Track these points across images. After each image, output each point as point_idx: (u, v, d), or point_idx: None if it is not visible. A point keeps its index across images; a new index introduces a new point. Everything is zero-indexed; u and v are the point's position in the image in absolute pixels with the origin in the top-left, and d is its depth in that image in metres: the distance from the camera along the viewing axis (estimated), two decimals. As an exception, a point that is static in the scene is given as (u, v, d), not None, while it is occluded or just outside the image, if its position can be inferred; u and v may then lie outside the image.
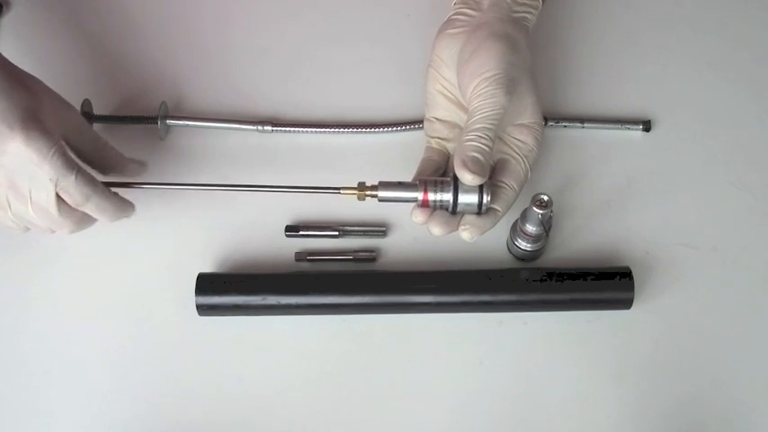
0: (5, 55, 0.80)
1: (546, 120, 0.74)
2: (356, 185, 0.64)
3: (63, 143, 0.60)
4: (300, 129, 0.75)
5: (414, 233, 0.71)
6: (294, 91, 0.77)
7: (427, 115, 0.70)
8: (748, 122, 0.76)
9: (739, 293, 0.69)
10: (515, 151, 0.66)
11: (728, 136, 0.75)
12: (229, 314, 0.67)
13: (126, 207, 0.66)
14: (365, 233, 0.71)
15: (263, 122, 0.74)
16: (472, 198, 0.62)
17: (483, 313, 0.68)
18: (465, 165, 0.61)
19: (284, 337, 0.68)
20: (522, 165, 0.66)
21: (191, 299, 0.66)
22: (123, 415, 0.66)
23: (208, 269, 0.69)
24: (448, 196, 0.63)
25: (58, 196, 0.60)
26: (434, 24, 0.70)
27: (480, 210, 0.63)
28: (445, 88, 0.69)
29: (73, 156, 0.61)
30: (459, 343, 0.68)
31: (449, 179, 0.63)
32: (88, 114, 0.73)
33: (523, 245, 0.68)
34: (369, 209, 0.72)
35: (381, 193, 0.63)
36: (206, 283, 0.67)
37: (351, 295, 0.67)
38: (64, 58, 0.78)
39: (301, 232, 0.71)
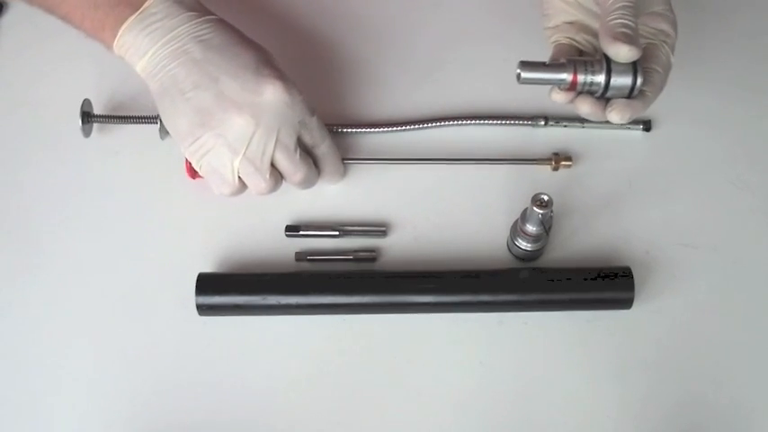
0: (5, 56, 0.80)
1: (546, 119, 0.74)
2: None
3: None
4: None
5: (414, 233, 0.71)
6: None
7: (548, 25, 0.68)
8: (748, 122, 0.76)
9: (739, 293, 0.69)
10: (653, 38, 0.64)
11: (728, 136, 0.75)
12: (229, 314, 0.67)
13: (341, 168, 0.72)
14: (365, 233, 0.71)
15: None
16: (626, 80, 0.59)
17: (483, 313, 0.68)
18: (618, 38, 0.58)
19: (284, 337, 0.68)
20: (664, 49, 0.64)
21: (191, 299, 0.66)
22: (123, 414, 0.66)
23: (208, 269, 0.69)
24: (600, 78, 0.59)
25: (298, 140, 0.66)
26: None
27: (632, 93, 0.60)
28: None
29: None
30: (460, 343, 0.68)
31: (599, 58, 0.60)
32: (88, 114, 0.73)
33: (523, 245, 0.68)
34: (369, 209, 0.72)
35: (525, 74, 0.59)
36: (206, 283, 0.67)
37: (351, 295, 0.67)
38: (64, 58, 0.78)
39: (301, 232, 0.71)
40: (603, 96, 0.60)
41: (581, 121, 0.74)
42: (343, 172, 0.72)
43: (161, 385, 0.67)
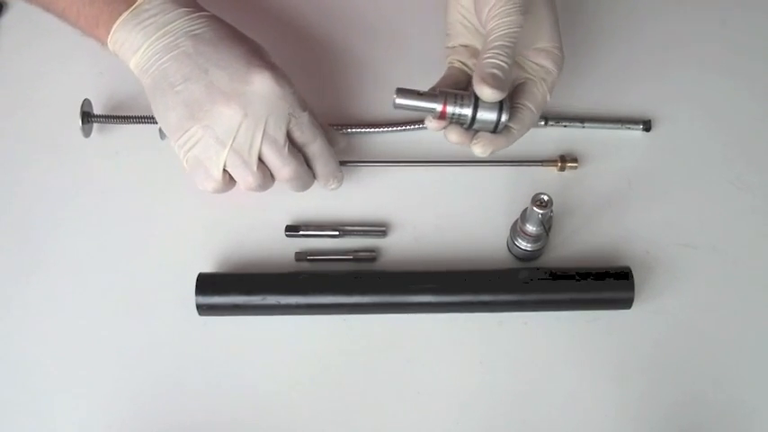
0: (5, 56, 0.80)
1: (546, 120, 0.74)
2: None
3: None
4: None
5: (414, 233, 0.71)
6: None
7: (448, 44, 0.70)
8: (748, 122, 0.76)
9: (739, 293, 0.69)
10: (532, 74, 0.66)
11: (728, 135, 0.75)
12: (229, 314, 0.67)
13: (336, 171, 0.69)
14: (365, 233, 0.71)
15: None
16: (491, 116, 0.62)
17: (483, 313, 0.68)
18: (484, 80, 0.60)
19: (284, 337, 0.68)
20: (540, 87, 0.65)
21: (191, 299, 0.66)
22: (123, 414, 0.66)
23: (208, 269, 0.69)
24: (467, 111, 0.62)
25: (289, 136, 0.65)
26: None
27: (497, 128, 0.63)
28: (464, 17, 0.68)
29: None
30: (459, 343, 0.68)
31: (469, 93, 0.63)
32: (88, 114, 0.73)
33: (523, 245, 0.68)
34: (369, 209, 0.72)
35: (399, 100, 0.62)
36: (206, 283, 0.67)
37: (351, 295, 0.67)
38: (64, 58, 0.78)
39: (301, 232, 0.71)
40: (471, 128, 0.63)
41: (581, 121, 0.75)
42: (341, 177, 0.70)
43: (161, 385, 0.67)
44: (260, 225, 0.71)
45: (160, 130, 0.73)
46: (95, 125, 0.75)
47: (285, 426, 0.65)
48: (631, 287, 0.66)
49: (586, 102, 0.76)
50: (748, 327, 0.68)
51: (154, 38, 0.63)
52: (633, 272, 0.67)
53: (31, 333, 0.68)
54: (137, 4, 0.64)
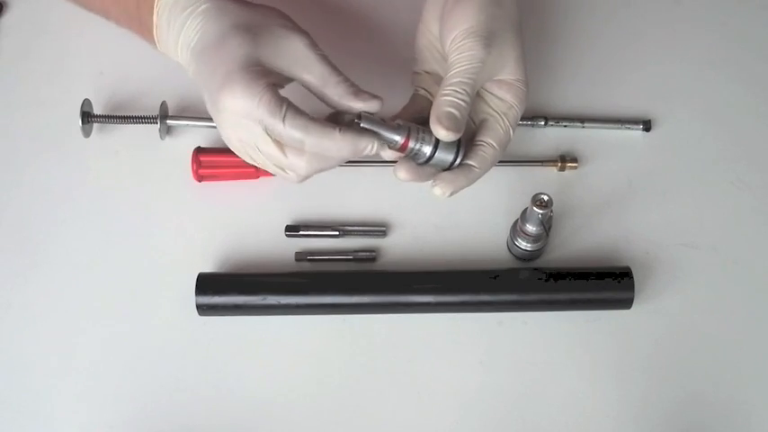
0: (5, 56, 0.80)
1: (546, 119, 0.74)
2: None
3: (269, 89, 0.58)
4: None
5: (414, 233, 0.71)
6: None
7: (415, 69, 0.68)
8: (748, 122, 0.76)
9: (739, 293, 0.69)
10: (494, 109, 0.64)
11: (729, 135, 0.75)
12: (229, 314, 0.67)
13: (361, 139, 0.59)
14: (365, 233, 0.71)
15: (263, 122, 0.74)
16: (448, 156, 0.61)
17: (483, 313, 0.68)
18: (439, 120, 0.59)
19: (284, 337, 0.68)
20: (502, 122, 0.64)
21: (191, 299, 0.66)
22: (123, 415, 0.66)
23: (208, 269, 0.69)
24: (427, 149, 0.60)
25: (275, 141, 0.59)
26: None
27: (452, 166, 0.62)
28: (431, 43, 0.67)
29: (282, 98, 0.58)
30: (460, 343, 0.68)
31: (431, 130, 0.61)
32: (88, 114, 0.73)
33: (523, 245, 0.68)
34: (369, 209, 0.72)
35: (363, 124, 0.60)
36: (206, 283, 0.67)
37: (351, 295, 0.67)
38: (64, 58, 0.78)
39: (301, 232, 0.71)
40: (425, 164, 0.62)
41: (581, 121, 0.75)
42: (367, 145, 0.59)
43: (161, 385, 0.67)
44: (260, 225, 0.71)
45: (160, 130, 0.74)
46: (95, 125, 0.75)
47: (285, 425, 0.65)
48: (631, 287, 0.66)
49: (586, 102, 0.76)
50: (748, 327, 0.68)
51: (179, 58, 0.63)
52: (633, 272, 0.67)
53: (31, 333, 0.68)
54: (154, 21, 0.63)
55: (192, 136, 0.75)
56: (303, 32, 0.62)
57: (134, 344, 0.68)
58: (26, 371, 0.67)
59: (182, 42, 0.62)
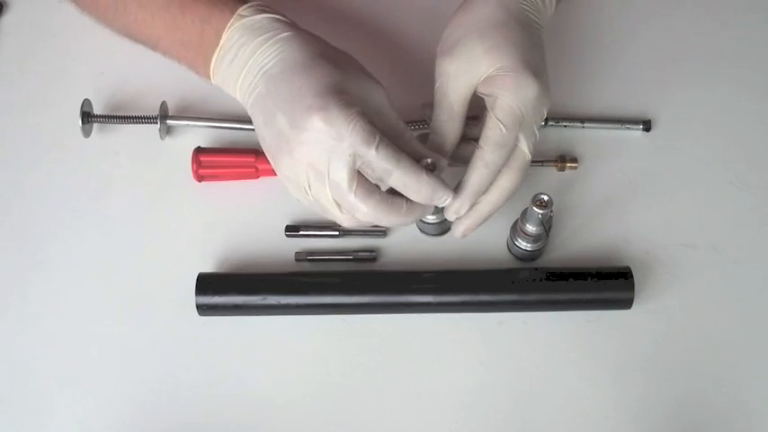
0: (5, 56, 0.80)
1: (546, 119, 0.74)
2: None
3: (363, 117, 0.58)
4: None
5: (414, 233, 0.71)
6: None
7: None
8: (748, 122, 0.76)
9: (739, 293, 0.69)
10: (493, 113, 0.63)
11: (728, 136, 0.75)
12: (229, 314, 0.67)
13: (442, 188, 0.60)
14: (365, 233, 0.71)
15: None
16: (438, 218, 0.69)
17: (483, 313, 0.68)
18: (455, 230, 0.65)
19: (284, 337, 0.68)
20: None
21: (191, 299, 0.66)
22: (123, 415, 0.66)
23: (208, 269, 0.69)
24: (432, 218, 0.69)
25: (359, 174, 0.58)
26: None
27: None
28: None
29: (375, 127, 0.58)
30: (460, 343, 0.68)
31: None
32: (88, 114, 0.73)
33: (523, 245, 0.68)
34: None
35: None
36: (206, 283, 0.67)
37: (351, 295, 0.67)
38: (64, 58, 0.78)
39: (301, 232, 0.71)
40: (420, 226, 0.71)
41: (581, 121, 0.75)
42: (445, 194, 0.60)
43: (161, 385, 0.67)
44: (260, 225, 0.71)
45: (160, 130, 0.74)
46: (95, 125, 0.75)
47: (285, 426, 0.65)
48: (631, 287, 0.66)
49: (586, 102, 0.76)
50: (748, 327, 0.68)
51: (241, 79, 0.62)
52: (633, 272, 0.67)
53: (31, 333, 0.68)
54: (221, 43, 0.62)
55: (192, 136, 0.75)
56: (380, 83, 0.63)
57: (134, 344, 0.68)
58: (26, 371, 0.67)
59: (252, 65, 0.61)
